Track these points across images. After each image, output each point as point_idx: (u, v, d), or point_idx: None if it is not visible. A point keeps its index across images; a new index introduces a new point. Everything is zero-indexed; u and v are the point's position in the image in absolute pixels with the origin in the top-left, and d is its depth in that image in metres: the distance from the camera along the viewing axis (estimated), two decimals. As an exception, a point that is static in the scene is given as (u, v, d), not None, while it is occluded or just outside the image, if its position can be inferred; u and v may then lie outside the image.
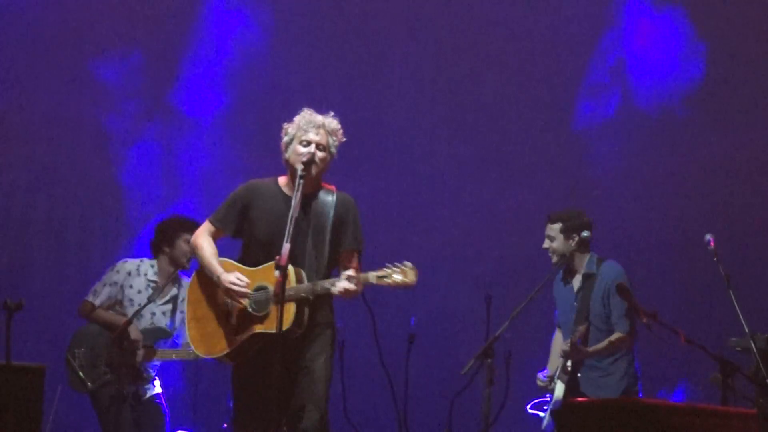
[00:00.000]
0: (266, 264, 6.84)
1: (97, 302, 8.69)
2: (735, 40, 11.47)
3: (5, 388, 7.18)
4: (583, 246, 8.58)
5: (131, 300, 8.70)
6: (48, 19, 11.44)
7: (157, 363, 8.77)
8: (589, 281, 8.53)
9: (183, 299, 8.72)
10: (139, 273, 8.77)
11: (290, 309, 6.75)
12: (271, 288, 6.78)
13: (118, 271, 8.77)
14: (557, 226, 8.58)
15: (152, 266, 8.82)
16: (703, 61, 11.53)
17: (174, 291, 8.84)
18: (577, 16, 11.91)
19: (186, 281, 8.84)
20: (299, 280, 6.79)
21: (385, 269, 6.74)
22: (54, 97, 11.42)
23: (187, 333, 7.11)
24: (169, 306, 8.78)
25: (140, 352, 8.49)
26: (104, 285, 8.74)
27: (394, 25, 12.02)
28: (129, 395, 8.51)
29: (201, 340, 7.02)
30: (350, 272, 6.75)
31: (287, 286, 6.67)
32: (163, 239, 8.82)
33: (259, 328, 6.81)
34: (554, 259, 8.60)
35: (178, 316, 8.77)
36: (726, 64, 11.48)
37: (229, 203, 7.09)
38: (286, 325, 6.69)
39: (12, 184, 11.37)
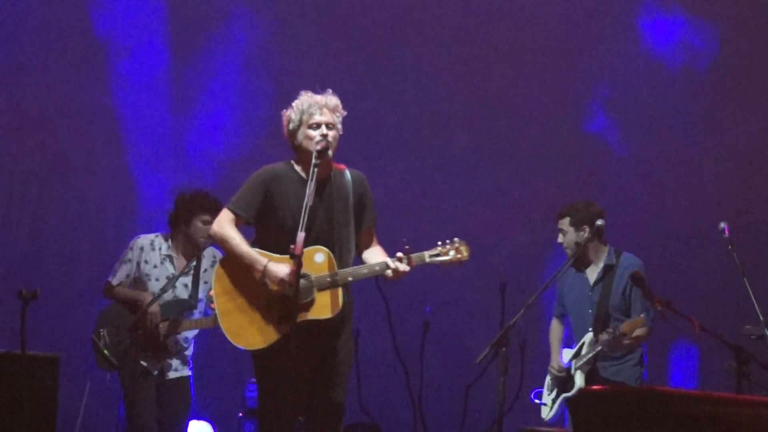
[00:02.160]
0: (304, 250, 6.72)
1: (114, 281, 8.64)
2: (747, 28, 11.45)
3: (20, 378, 7.21)
4: (598, 237, 8.60)
5: (148, 275, 8.65)
6: (60, 8, 11.47)
7: (189, 336, 8.74)
8: (609, 274, 8.52)
9: (205, 269, 8.70)
10: (153, 247, 8.71)
11: (338, 294, 6.75)
12: (313, 275, 6.75)
13: (131, 248, 8.72)
14: (566, 220, 8.63)
15: (166, 240, 8.77)
16: (716, 49, 11.50)
17: (194, 261, 8.77)
18: (591, 3, 11.88)
19: (209, 249, 8.83)
20: (338, 265, 6.80)
21: (438, 248, 6.72)
22: (67, 85, 11.44)
23: (221, 326, 6.98)
24: (190, 278, 8.73)
25: (162, 326, 8.48)
26: (121, 263, 8.71)
27: (408, 13, 12.00)
28: (154, 373, 8.52)
29: (240, 332, 6.87)
30: (400, 253, 6.71)
31: (330, 271, 6.72)
32: (181, 216, 8.71)
33: (305, 316, 6.74)
34: (569, 252, 8.61)
35: (202, 286, 8.74)
36: (738, 53, 11.45)
37: (252, 190, 6.99)
38: (335, 311, 6.73)
39: (27, 172, 11.39)
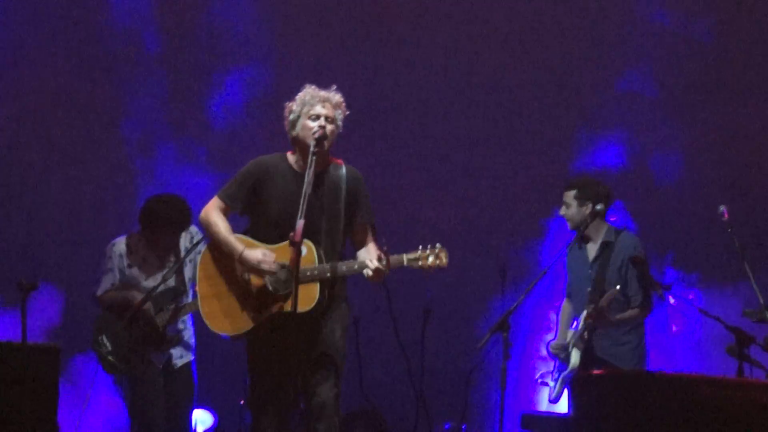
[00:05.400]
0: (284, 242, 6.78)
1: (99, 292, 8.61)
2: (748, 9, 11.44)
3: (21, 367, 7.22)
4: (599, 215, 8.58)
5: (136, 278, 8.63)
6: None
7: (184, 318, 8.70)
8: (606, 251, 8.52)
9: (185, 248, 8.67)
10: (131, 250, 8.68)
11: (314, 289, 6.75)
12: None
13: (110, 257, 8.66)
14: (572, 192, 8.62)
15: (140, 238, 8.70)
16: (716, 32, 11.48)
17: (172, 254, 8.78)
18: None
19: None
20: (318, 259, 6.79)
21: (418, 252, 6.74)
22: (67, 76, 11.43)
23: (200, 310, 7.06)
24: (173, 264, 8.70)
25: (159, 317, 8.46)
26: (103, 274, 8.65)
27: (407, -1, 11.99)
28: (159, 366, 8.52)
29: (218, 317, 6.98)
30: (379, 253, 6.71)
31: (309, 265, 6.72)
32: (146, 226, 8.64)
33: (283, 308, 6.78)
34: (570, 225, 8.63)
35: (188, 265, 8.73)
36: (739, 35, 11.44)
37: (240, 180, 7.06)
38: (309, 305, 6.72)
39: (27, 163, 11.39)
